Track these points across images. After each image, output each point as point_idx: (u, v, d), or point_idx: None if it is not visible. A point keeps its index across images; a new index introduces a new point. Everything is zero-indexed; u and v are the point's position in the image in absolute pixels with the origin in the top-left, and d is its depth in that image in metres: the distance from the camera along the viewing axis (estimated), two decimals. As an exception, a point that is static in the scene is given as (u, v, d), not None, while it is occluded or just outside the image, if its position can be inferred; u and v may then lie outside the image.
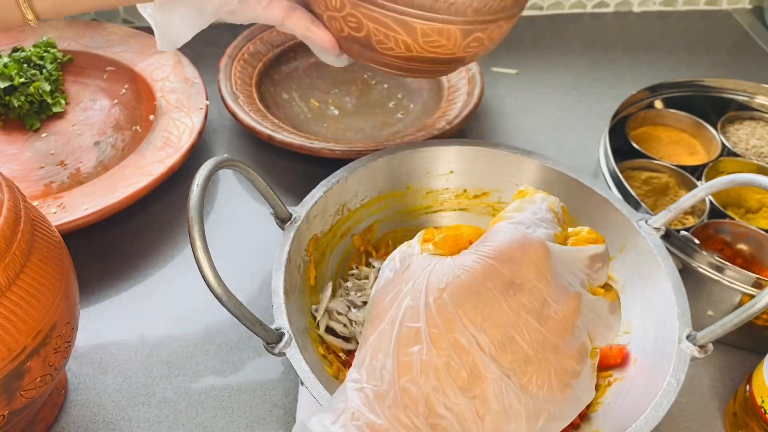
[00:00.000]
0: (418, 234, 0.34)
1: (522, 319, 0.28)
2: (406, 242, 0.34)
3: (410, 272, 0.31)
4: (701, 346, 0.43)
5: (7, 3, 0.42)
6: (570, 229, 0.35)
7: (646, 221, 0.50)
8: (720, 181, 0.46)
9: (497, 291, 0.29)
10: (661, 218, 0.50)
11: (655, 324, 0.47)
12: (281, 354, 0.41)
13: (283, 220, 0.49)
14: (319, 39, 0.51)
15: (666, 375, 0.41)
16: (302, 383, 0.41)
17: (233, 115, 0.70)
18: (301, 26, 0.51)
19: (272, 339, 0.41)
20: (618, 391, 0.46)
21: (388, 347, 0.29)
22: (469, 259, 0.30)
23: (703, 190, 0.47)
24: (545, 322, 0.29)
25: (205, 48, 0.88)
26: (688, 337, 0.43)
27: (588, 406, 0.46)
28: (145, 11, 0.50)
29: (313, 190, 0.52)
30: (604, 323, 0.32)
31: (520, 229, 0.31)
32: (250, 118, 0.69)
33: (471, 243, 0.32)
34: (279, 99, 0.77)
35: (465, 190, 0.58)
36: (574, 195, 0.53)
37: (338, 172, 0.53)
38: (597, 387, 0.48)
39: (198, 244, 0.36)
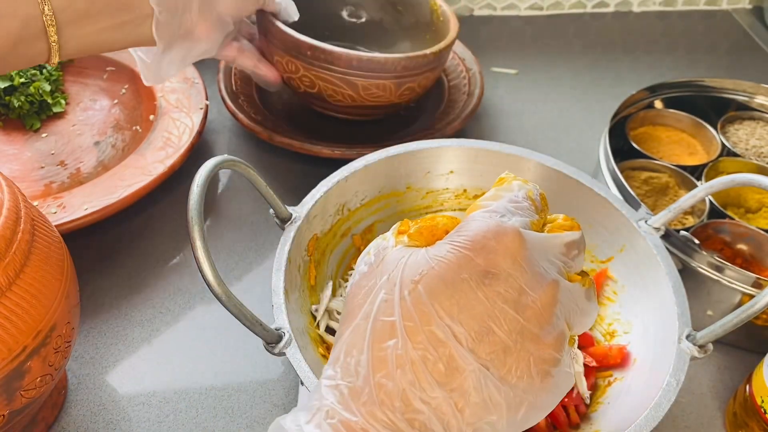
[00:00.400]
0: (394, 226, 0.33)
1: (499, 309, 0.28)
2: (380, 235, 0.33)
3: (384, 265, 0.30)
4: (701, 346, 0.43)
5: (39, 45, 0.48)
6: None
7: (646, 221, 0.50)
8: (720, 181, 0.46)
9: (473, 281, 0.28)
10: (661, 218, 0.50)
11: (655, 324, 0.47)
12: (281, 354, 0.41)
13: (283, 220, 0.49)
14: (264, 75, 0.65)
15: (666, 375, 0.41)
16: (302, 383, 0.41)
17: (233, 115, 0.70)
18: (250, 64, 0.64)
19: (272, 339, 0.41)
20: (618, 391, 0.46)
21: (362, 342, 0.28)
22: (444, 250, 0.29)
23: (703, 190, 0.47)
24: (523, 311, 0.28)
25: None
26: (687, 337, 0.43)
27: (588, 406, 0.46)
28: (136, 52, 0.57)
29: (313, 190, 0.52)
30: (581, 310, 0.31)
31: (494, 217, 0.30)
32: (249, 118, 0.70)
33: (447, 233, 0.31)
34: (280, 99, 0.78)
35: (465, 190, 0.58)
36: (574, 195, 0.54)
37: (338, 172, 0.53)
38: (597, 387, 0.48)
39: (198, 243, 0.36)
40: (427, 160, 0.57)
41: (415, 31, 0.77)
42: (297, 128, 0.72)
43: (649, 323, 0.48)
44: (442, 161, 0.57)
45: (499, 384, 0.28)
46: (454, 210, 0.59)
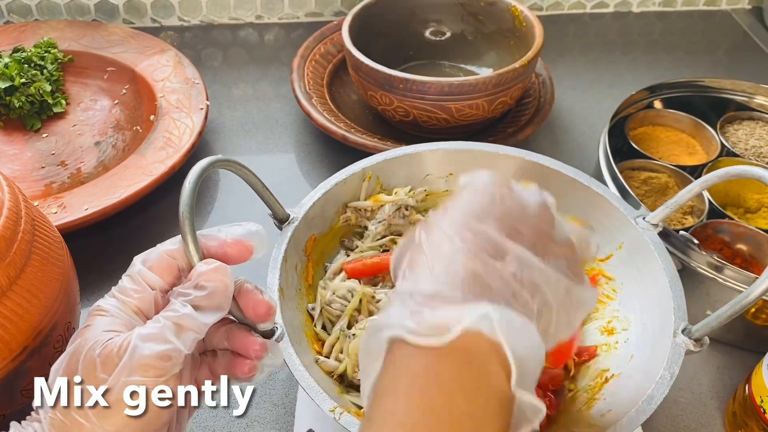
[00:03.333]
0: None
1: (516, 218, 0.33)
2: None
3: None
4: (697, 340, 0.43)
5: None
6: None
7: (644, 218, 0.50)
8: (715, 175, 0.45)
9: (489, 203, 0.33)
10: (659, 214, 0.50)
11: (653, 319, 0.47)
12: None
13: (280, 221, 0.49)
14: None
15: (660, 369, 0.41)
16: (292, 374, 0.42)
17: (308, 115, 0.70)
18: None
19: (265, 335, 0.41)
20: (615, 387, 0.46)
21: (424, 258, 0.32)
22: (460, 196, 0.34)
23: (699, 185, 0.47)
24: (538, 220, 0.34)
25: (206, 48, 0.89)
26: (683, 331, 0.43)
27: (585, 402, 0.46)
28: None
29: (312, 192, 0.52)
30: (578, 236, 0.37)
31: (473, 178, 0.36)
32: (324, 118, 0.70)
33: None
34: (349, 99, 0.78)
35: None
36: (572, 194, 0.54)
37: (337, 174, 0.54)
38: (594, 387, 0.47)
39: (189, 238, 0.36)
40: (427, 162, 0.57)
41: (498, 38, 0.78)
42: (367, 128, 0.72)
43: (648, 318, 0.48)
44: (442, 163, 0.57)
45: (540, 263, 0.31)
46: None
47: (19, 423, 0.32)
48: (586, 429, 0.43)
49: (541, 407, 0.30)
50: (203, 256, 0.34)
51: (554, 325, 0.32)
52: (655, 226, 0.50)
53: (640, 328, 0.48)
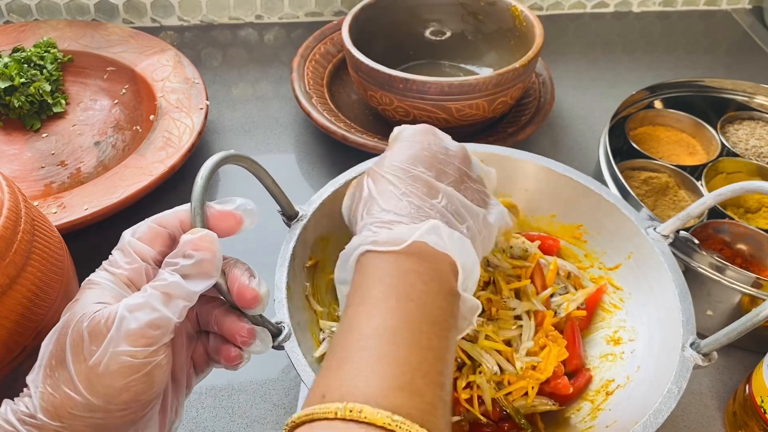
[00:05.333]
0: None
1: (439, 159, 0.41)
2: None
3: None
4: (705, 354, 0.42)
5: None
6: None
7: (654, 228, 0.49)
8: (729, 189, 0.44)
9: (419, 149, 0.41)
10: (670, 226, 0.49)
11: (661, 331, 0.46)
12: (280, 347, 0.41)
13: (290, 218, 0.49)
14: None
15: (668, 382, 0.41)
16: (300, 377, 0.41)
17: (308, 115, 0.70)
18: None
19: (272, 332, 0.40)
20: (620, 398, 0.45)
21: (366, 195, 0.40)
22: (394, 146, 0.42)
23: (713, 198, 0.46)
24: (453, 157, 0.42)
25: (205, 48, 0.89)
26: (692, 345, 0.42)
27: (589, 413, 0.46)
28: None
29: (321, 189, 0.51)
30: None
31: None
32: (324, 118, 0.70)
33: None
34: (349, 98, 0.78)
35: None
36: (582, 201, 0.53)
37: (346, 172, 0.53)
38: (597, 397, 0.47)
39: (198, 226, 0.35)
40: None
41: (498, 38, 0.78)
42: (367, 128, 0.72)
43: (655, 330, 0.47)
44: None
45: (464, 198, 0.40)
46: None
47: (12, 400, 0.32)
48: None
49: (479, 303, 0.38)
50: None
51: (479, 244, 0.39)
52: (666, 237, 0.49)
53: (646, 339, 0.48)
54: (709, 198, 0.46)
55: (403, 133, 0.43)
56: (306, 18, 0.94)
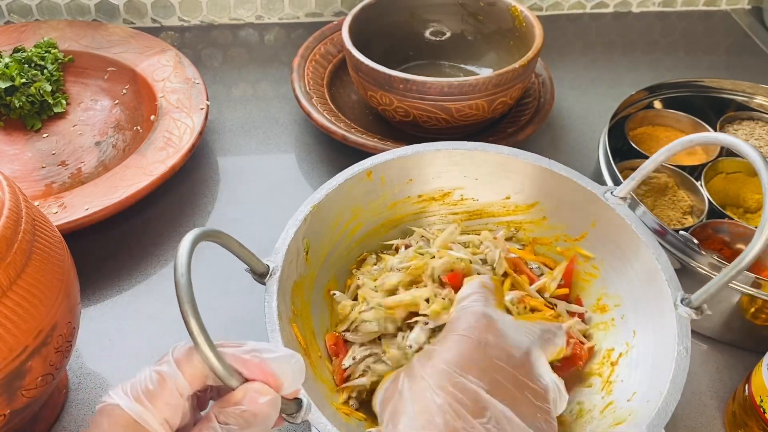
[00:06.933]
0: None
1: (496, 365, 0.35)
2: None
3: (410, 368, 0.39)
4: (697, 308, 0.43)
5: None
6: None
7: (611, 193, 0.50)
8: (678, 143, 0.45)
9: (472, 348, 0.36)
10: (626, 187, 0.50)
11: (646, 293, 0.47)
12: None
13: (261, 275, 0.45)
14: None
15: (673, 344, 0.41)
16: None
17: (308, 115, 0.70)
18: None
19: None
20: (627, 366, 0.45)
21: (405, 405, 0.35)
22: (446, 339, 0.38)
23: (663, 154, 0.46)
24: (512, 364, 0.36)
25: (206, 48, 0.89)
26: (683, 301, 0.43)
27: (602, 387, 0.46)
28: None
29: (282, 234, 0.47)
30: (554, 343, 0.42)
31: (467, 308, 0.40)
32: (324, 118, 0.70)
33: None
34: (349, 99, 0.78)
35: (462, 197, 0.58)
36: (538, 179, 0.53)
37: (302, 207, 0.49)
38: (603, 374, 0.47)
39: (205, 348, 0.31)
40: (426, 162, 0.56)
41: (498, 38, 0.78)
42: (367, 128, 0.72)
43: (640, 293, 0.47)
44: (442, 164, 0.56)
45: (516, 419, 0.34)
46: (447, 215, 0.58)
47: None
48: (627, 416, 0.42)
49: None
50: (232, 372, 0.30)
51: None
52: (624, 199, 0.50)
53: (633, 302, 0.48)
54: (659, 154, 0.47)
55: (455, 324, 0.37)
56: (306, 18, 0.94)
